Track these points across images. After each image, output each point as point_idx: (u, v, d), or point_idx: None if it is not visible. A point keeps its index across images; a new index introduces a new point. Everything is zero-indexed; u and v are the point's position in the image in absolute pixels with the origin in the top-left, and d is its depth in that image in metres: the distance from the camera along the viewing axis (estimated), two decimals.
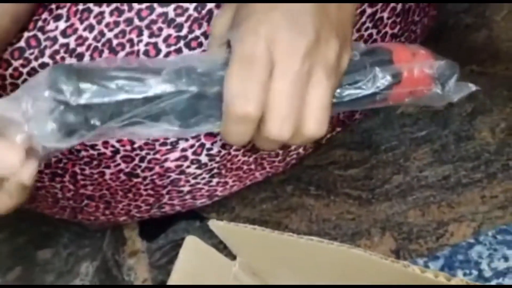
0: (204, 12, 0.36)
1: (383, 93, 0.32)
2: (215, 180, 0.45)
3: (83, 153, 0.41)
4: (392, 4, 0.40)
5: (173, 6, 0.36)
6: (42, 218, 0.50)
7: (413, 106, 0.47)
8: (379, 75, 0.32)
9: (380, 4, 0.39)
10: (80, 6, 0.37)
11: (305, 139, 0.30)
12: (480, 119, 0.48)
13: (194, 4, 0.36)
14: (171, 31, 0.36)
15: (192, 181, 0.44)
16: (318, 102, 0.29)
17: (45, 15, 0.37)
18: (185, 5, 0.36)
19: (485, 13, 0.54)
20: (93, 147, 0.40)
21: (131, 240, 0.51)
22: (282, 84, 0.29)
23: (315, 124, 0.30)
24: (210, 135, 0.41)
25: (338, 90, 0.32)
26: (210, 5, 0.36)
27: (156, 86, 0.28)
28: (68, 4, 0.37)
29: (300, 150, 0.46)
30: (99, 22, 0.36)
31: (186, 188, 0.44)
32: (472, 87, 0.34)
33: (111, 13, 0.36)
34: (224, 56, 0.30)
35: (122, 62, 0.29)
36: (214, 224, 0.34)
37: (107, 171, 0.42)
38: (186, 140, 0.41)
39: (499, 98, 0.48)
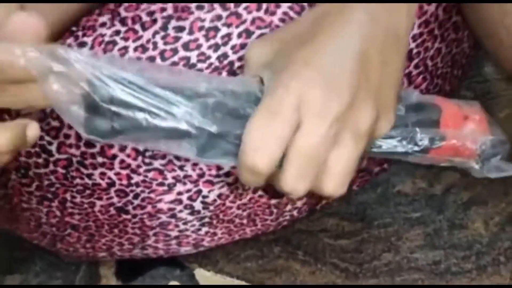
0: (225, 62, 0.38)
1: (416, 154, 0.32)
2: (204, 229, 0.45)
3: (78, 180, 0.41)
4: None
5: (196, 52, 0.38)
6: (17, 242, 0.49)
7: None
8: (417, 137, 0.31)
9: None
10: (106, 38, 0.38)
11: (322, 195, 0.30)
12: (475, 209, 0.49)
13: (217, 54, 0.38)
14: None
15: (182, 227, 0.44)
16: (341, 166, 0.29)
17: (70, 40, 0.39)
18: (208, 52, 0.38)
19: (487, 109, 0.57)
20: (89, 176, 0.40)
21: (105, 278, 0.50)
22: (305, 144, 0.28)
23: (334, 186, 0.29)
24: (208, 182, 0.41)
25: None
26: (232, 57, 0.38)
27: (181, 119, 0.28)
28: (95, 34, 0.38)
29: (294, 212, 0.47)
30: (121, 56, 0.38)
31: (174, 233, 0.44)
32: None
33: (135, 49, 0.38)
34: (257, 91, 0.30)
35: (166, 73, 0.29)
36: (200, 274, 0.34)
37: (98, 203, 0.42)
38: (184, 183, 0.41)
39: (496, 192, 0.50)
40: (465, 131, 0.33)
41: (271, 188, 0.31)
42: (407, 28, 0.31)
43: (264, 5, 0.38)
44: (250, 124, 0.29)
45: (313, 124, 0.28)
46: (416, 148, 0.32)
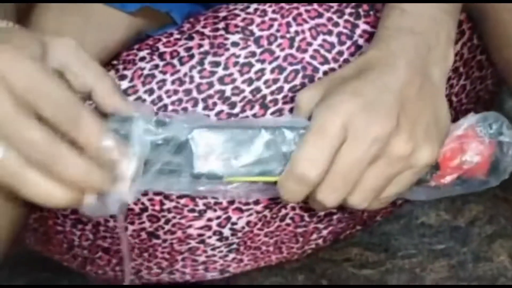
0: (258, 96, 0.42)
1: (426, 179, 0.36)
2: (231, 255, 0.47)
3: None
4: None
5: (231, 86, 0.42)
6: (43, 263, 0.52)
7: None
8: None
9: None
10: (146, 71, 0.42)
11: (346, 205, 0.35)
12: (500, 242, 0.51)
13: (250, 88, 0.42)
14: (224, 107, 0.41)
15: (209, 252, 0.47)
16: (369, 182, 0.34)
17: (111, 73, 0.43)
18: (242, 86, 0.42)
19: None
20: None
21: None
22: (344, 161, 0.33)
23: (358, 200, 0.35)
24: (238, 210, 0.45)
25: None
26: (265, 91, 0.42)
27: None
28: (135, 68, 0.42)
29: (320, 241, 0.49)
30: (159, 88, 0.42)
31: (202, 258, 0.47)
32: None
33: (172, 82, 0.42)
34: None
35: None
36: None
37: (130, 227, 0.45)
38: (214, 210, 0.44)
39: None
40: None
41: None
42: (441, 72, 0.37)
43: (296, 43, 0.41)
44: (305, 139, 0.34)
45: (354, 142, 0.33)
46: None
